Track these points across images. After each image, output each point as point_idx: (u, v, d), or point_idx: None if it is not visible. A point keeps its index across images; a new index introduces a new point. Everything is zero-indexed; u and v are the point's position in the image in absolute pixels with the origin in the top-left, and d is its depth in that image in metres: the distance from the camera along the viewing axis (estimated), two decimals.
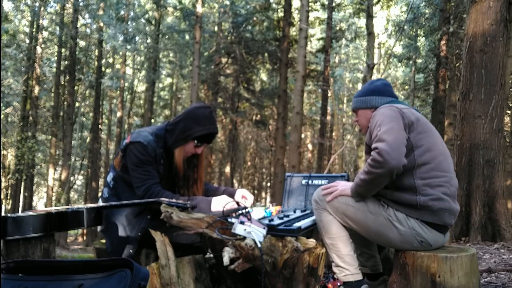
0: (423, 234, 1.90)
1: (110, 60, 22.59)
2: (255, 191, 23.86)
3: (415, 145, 1.92)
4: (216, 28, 17.18)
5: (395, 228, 1.91)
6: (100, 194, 2.36)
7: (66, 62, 18.67)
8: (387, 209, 1.94)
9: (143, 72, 21.23)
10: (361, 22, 18.72)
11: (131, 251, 2.12)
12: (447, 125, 11.35)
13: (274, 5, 15.95)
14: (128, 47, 17.62)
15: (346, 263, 2.02)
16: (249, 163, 23.15)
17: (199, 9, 13.08)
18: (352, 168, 20.54)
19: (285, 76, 13.01)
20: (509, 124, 10.02)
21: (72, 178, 19.36)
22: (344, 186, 2.04)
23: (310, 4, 13.99)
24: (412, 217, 1.90)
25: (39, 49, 18.75)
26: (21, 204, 21.46)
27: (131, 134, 2.26)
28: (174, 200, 1.97)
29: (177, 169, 2.29)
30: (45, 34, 20.62)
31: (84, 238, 19.98)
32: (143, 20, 18.46)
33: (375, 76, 19.08)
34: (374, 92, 2.21)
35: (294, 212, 2.43)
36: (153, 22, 19.22)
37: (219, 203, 2.12)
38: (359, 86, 22.45)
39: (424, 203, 1.87)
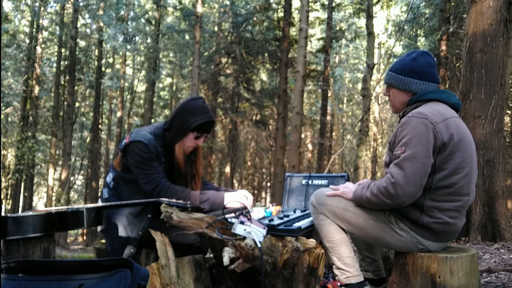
0: (424, 242, 1.87)
1: (110, 60, 22.59)
2: (255, 191, 23.83)
3: (439, 168, 1.77)
4: (216, 28, 17.18)
5: (396, 234, 1.88)
6: (99, 194, 2.35)
7: (66, 62, 18.68)
8: (388, 216, 1.90)
9: (143, 72, 21.22)
10: (361, 22, 18.71)
11: (131, 251, 2.11)
12: None
13: (274, 5, 15.94)
14: (128, 47, 17.61)
15: (347, 265, 2.00)
16: (249, 163, 23.13)
17: (199, 9, 13.07)
18: (352, 168, 20.52)
19: (285, 76, 13.01)
20: (509, 124, 10.00)
21: (72, 178, 19.36)
22: (346, 188, 2.00)
23: (310, 4, 13.97)
24: (413, 230, 1.87)
25: (39, 49, 18.74)
26: (21, 204, 21.45)
27: (130, 134, 2.27)
28: (174, 200, 1.97)
29: (178, 164, 2.30)
30: (45, 34, 20.63)
31: (84, 238, 19.97)
32: (143, 20, 18.45)
33: (375, 76, 19.06)
34: (416, 73, 1.89)
35: (294, 212, 2.43)
36: (153, 22, 19.21)
37: (233, 199, 2.13)
38: (359, 86, 22.40)
39: (427, 224, 1.82)
